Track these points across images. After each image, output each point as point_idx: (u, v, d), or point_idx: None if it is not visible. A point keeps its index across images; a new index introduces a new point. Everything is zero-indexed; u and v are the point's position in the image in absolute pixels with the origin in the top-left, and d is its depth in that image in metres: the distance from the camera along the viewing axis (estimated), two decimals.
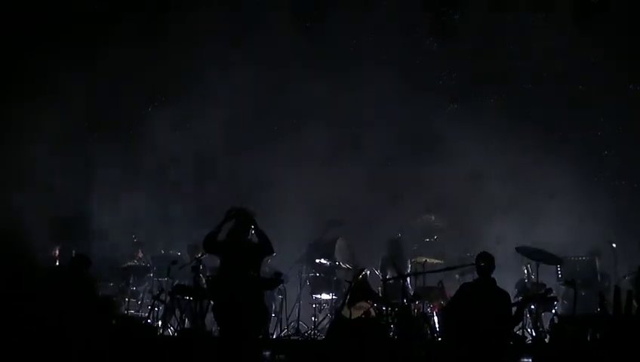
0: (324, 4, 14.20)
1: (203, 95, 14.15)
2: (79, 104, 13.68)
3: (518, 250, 10.93)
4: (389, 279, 11.32)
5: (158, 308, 11.68)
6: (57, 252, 12.76)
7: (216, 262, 9.97)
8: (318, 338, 11.10)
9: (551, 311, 10.92)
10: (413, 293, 11.20)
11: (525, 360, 9.48)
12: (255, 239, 9.47)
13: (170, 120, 14.04)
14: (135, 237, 13.38)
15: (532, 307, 10.71)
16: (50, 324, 8.89)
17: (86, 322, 9.06)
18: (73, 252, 12.10)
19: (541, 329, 10.71)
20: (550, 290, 10.81)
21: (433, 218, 13.36)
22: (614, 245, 11.10)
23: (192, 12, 14.18)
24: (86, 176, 13.66)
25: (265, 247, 9.46)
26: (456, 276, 11.79)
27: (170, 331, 11.32)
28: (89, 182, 13.68)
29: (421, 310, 10.93)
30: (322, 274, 12.14)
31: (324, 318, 11.81)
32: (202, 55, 14.34)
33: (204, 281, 11.29)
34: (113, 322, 9.88)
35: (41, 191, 12.98)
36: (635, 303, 10.04)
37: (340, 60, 14.16)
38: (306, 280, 12.15)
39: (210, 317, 10.16)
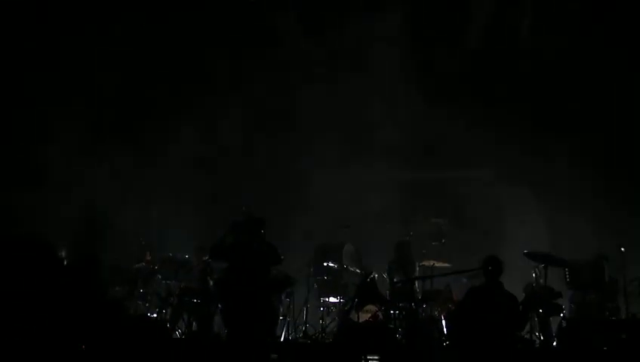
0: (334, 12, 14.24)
1: (215, 98, 14.18)
2: (92, 106, 13.74)
3: (527, 254, 10.90)
4: (397, 282, 11.31)
5: (166, 311, 11.70)
6: (64, 253, 12.76)
7: (223, 264, 10.00)
8: (326, 341, 11.10)
9: (559, 315, 10.88)
10: (421, 297, 11.21)
11: None
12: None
13: (183, 122, 14.09)
14: (142, 240, 13.37)
15: (540, 311, 10.67)
16: (61, 324, 8.88)
17: (95, 323, 9.05)
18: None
19: (549, 333, 10.68)
20: (559, 294, 10.83)
21: (442, 221, 13.32)
22: (623, 249, 11.04)
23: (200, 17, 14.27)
24: (95, 178, 13.66)
25: (272, 257, 9.51)
26: (464, 279, 11.76)
27: (177, 334, 11.33)
28: (98, 185, 13.67)
29: (429, 313, 10.93)
30: (330, 278, 12.16)
31: (331, 321, 11.80)
32: (215, 59, 14.38)
33: (211, 283, 11.31)
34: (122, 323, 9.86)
35: (51, 193, 13.03)
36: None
37: (355, 65, 14.16)
38: (313, 284, 12.15)
39: (218, 319, 10.17)
